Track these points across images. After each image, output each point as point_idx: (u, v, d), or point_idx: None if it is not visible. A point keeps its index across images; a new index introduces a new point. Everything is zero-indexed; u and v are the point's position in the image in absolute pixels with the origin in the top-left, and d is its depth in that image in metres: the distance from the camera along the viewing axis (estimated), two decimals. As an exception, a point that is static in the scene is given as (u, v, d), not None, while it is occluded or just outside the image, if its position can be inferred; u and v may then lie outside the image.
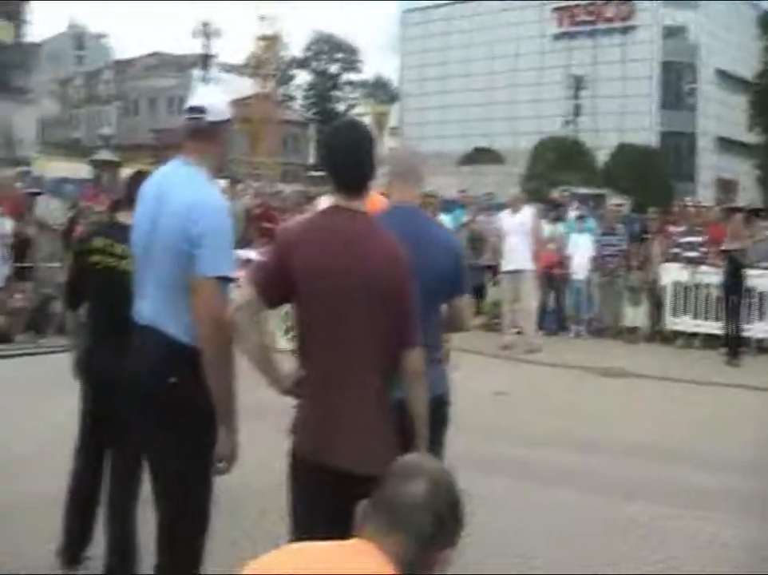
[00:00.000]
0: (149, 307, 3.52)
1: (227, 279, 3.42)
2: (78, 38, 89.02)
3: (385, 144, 64.21)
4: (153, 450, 3.52)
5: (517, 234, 12.75)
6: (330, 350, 3.17)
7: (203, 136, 3.56)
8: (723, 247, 12.68)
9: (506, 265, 12.99)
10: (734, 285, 12.28)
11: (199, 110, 3.55)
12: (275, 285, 3.21)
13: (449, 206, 16.46)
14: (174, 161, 3.65)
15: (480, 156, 54.77)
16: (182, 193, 3.46)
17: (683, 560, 5.26)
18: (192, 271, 3.37)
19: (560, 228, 14.91)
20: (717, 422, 8.79)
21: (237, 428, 3.48)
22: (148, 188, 3.66)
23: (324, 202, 5.38)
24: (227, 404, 3.43)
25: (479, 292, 15.01)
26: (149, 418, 3.47)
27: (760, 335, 13.17)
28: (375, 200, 4.98)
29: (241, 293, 3.28)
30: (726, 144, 56.69)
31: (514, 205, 13.17)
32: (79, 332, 4.87)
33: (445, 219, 14.47)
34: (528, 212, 13.23)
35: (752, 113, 46.59)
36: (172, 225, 3.41)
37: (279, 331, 10.51)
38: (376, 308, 3.18)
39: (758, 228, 13.92)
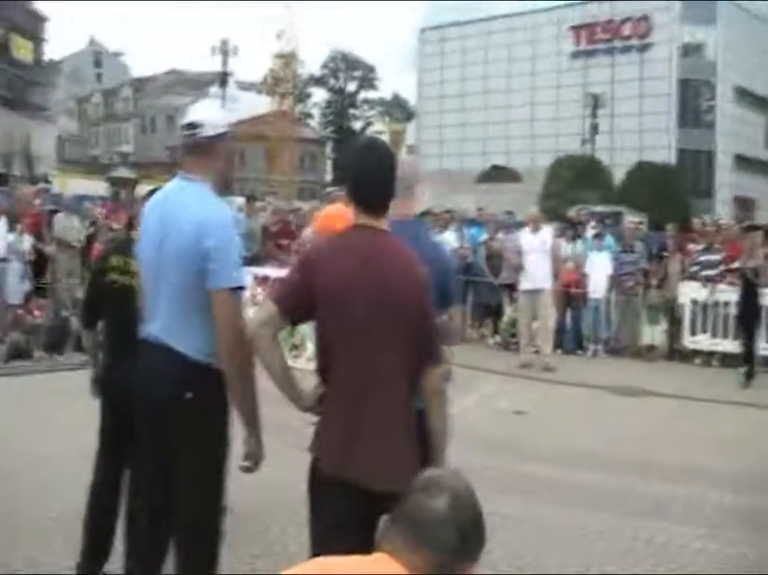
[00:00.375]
0: (161, 325, 3.54)
1: (240, 289, 3.50)
2: (96, 56, 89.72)
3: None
4: (170, 465, 3.54)
5: (537, 253, 12.75)
6: (351, 367, 3.19)
7: (201, 152, 3.60)
8: (737, 265, 12.64)
9: (525, 284, 12.98)
10: (747, 304, 12.19)
11: (194, 126, 3.58)
12: (296, 303, 3.24)
13: (468, 224, 16.49)
14: (176, 179, 3.68)
15: (498, 174, 54.83)
16: (188, 211, 3.48)
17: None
18: (205, 286, 3.42)
19: (578, 246, 14.88)
20: (736, 441, 8.71)
21: (261, 428, 3.55)
22: (151, 208, 3.70)
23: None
24: (251, 409, 3.50)
25: (496, 311, 15.03)
26: (165, 434, 3.51)
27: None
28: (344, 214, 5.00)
29: (262, 310, 3.30)
30: (744, 162, 56.54)
31: (534, 224, 13.17)
32: (96, 350, 4.91)
33: (450, 236, 14.52)
34: (548, 232, 13.24)
35: (768, 131, 46.44)
36: (181, 243, 3.44)
37: (285, 347, 10.50)
38: (397, 326, 3.19)
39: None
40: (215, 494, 3.61)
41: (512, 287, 14.09)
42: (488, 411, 9.66)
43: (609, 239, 15.27)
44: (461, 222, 16.37)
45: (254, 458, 3.55)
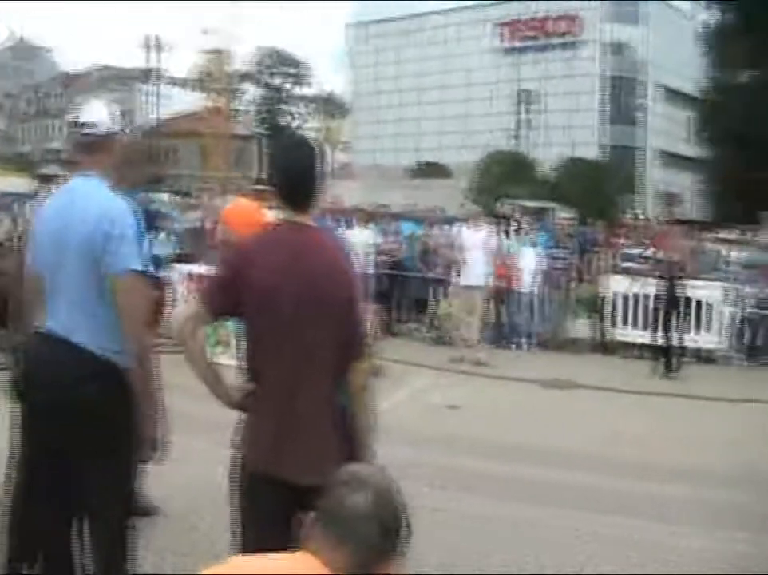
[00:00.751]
0: (61, 320, 3.55)
1: (144, 273, 3.55)
2: (25, 52, 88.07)
3: (337, 159, 64.28)
4: (79, 462, 3.54)
5: (477, 249, 12.84)
6: (281, 364, 3.20)
7: (95, 149, 3.68)
8: (659, 258, 12.91)
9: (463, 279, 13.04)
10: (669, 296, 12.43)
11: (85, 125, 3.69)
12: (223, 299, 3.24)
13: (399, 219, 16.57)
14: (74, 178, 3.73)
15: (430, 169, 55.04)
16: (87, 203, 3.54)
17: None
18: (108, 275, 3.46)
19: (511, 241, 15.00)
20: (661, 431, 8.89)
21: (160, 414, 3.59)
22: (48, 204, 3.76)
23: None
24: (150, 392, 3.54)
25: (425, 305, 15.10)
26: (67, 432, 3.49)
27: (703, 346, 13.46)
28: (254, 211, 5.00)
29: (188, 306, 3.30)
30: (670, 158, 57.51)
31: (475, 221, 13.27)
32: (15, 351, 4.83)
33: (363, 233, 14.54)
34: (488, 229, 13.37)
35: (695, 128, 47.32)
36: (82, 235, 3.48)
37: (211, 343, 10.41)
38: (325, 321, 3.21)
39: (700, 240, 14.19)
40: (123, 490, 3.64)
41: (445, 283, 14.18)
42: (421, 406, 9.69)
43: (541, 235, 15.44)
44: (392, 217, 16.44)
45: (154, 442, 3.57)
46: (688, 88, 51.65)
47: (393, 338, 14.00)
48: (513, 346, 14.33)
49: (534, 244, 14.76)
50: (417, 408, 9.49)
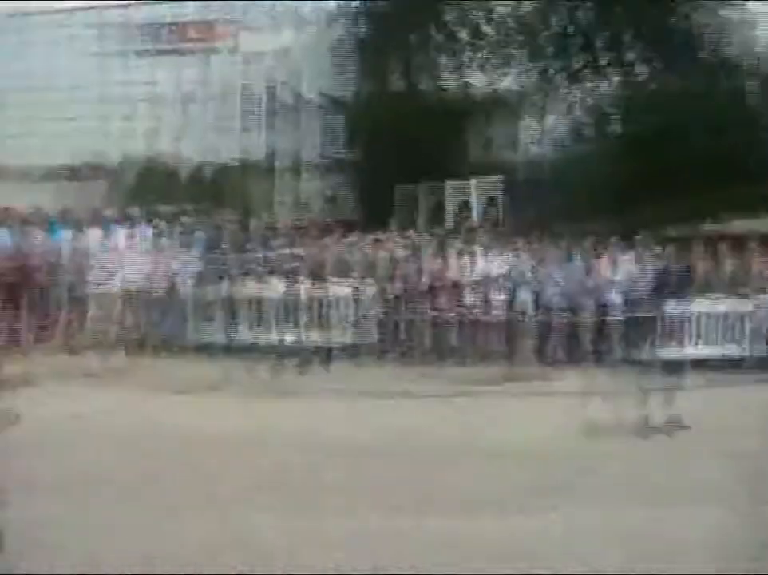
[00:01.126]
0: None
1: None
2: None
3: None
4: None
5: (129, 253, 12.69)
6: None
7: None
8: (299, 258, 13.47)
9: (108, 285, 12.83)
10: (304, 295, 12.96)
11: None
12: None
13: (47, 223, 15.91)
14: None
15: (64, 172, 53.17)
16: None
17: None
18: None
19: (161, 244, 14.80)
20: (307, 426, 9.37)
21: None
22: None
23: None
24: None
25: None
26: None
27: (340, 342, 13.94)
28: None
29: None
30: (313, 164, 59.05)
31: (129, 224, 13.15)
32: None
33: None
34: (144, 230, 13.24)
35: (337, 135, 48.90)
36: None
37: None
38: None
39: (338, 241, 14.95)
40: None
41: (84, 288, 13.74)
42: (53, 416, 8.89)
43: (197, 237, 15.31)
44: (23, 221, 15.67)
45: None
46: (336, 96, 53.39)
47: (23, 348, 12.88)
48: (160, 352, 14.10)
49: (185, 246, 14.74)
50: (45, 417, 8.59)
